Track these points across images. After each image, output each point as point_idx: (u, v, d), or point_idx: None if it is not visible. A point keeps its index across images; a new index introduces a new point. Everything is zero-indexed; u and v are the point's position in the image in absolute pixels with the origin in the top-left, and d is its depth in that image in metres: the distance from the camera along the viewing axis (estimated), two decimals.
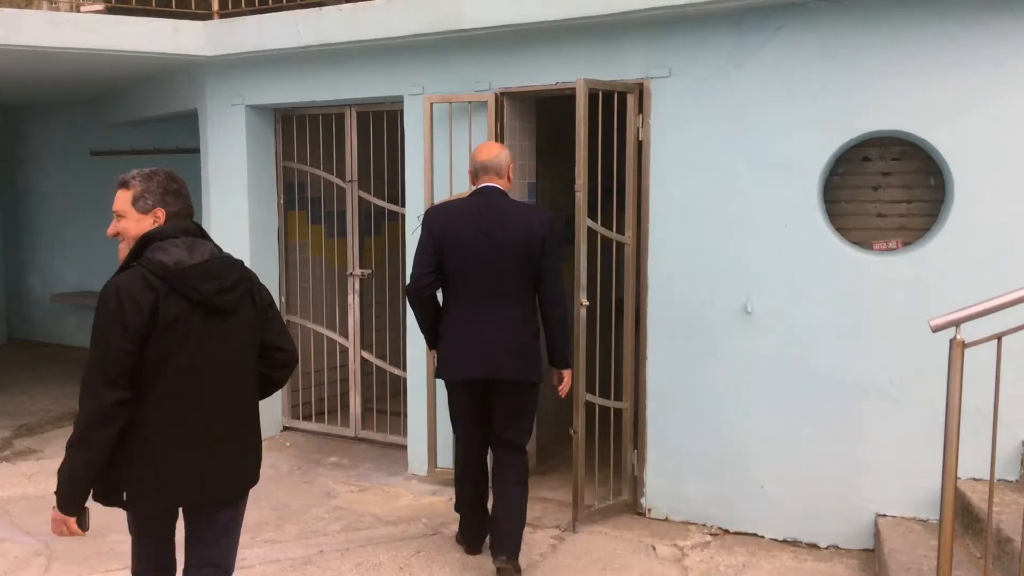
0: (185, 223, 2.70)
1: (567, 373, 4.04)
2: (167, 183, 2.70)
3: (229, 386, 2.72)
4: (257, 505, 4.82)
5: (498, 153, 3.92)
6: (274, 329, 2.82)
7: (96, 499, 2.65)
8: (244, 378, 2.76)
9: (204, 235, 2.74)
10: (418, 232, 4.88)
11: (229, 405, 2.72)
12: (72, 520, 2.62)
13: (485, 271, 3.81)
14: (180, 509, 2.80)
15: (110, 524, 4.54)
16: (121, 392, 2.52)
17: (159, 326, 2.55)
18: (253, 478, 2.84)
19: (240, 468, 2.78)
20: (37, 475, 5.34)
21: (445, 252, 3.85)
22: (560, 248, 3.93)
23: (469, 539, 4.20)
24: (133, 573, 2.87)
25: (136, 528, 2.81)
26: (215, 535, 2.81)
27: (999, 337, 2.85)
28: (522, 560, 4.05)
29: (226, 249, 2.83)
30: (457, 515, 4.28)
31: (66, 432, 6.40)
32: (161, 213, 2.68)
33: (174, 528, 2.82)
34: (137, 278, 2.57)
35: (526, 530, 4.39)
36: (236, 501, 2.83)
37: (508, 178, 3.97)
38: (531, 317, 3.91)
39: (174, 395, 2.61)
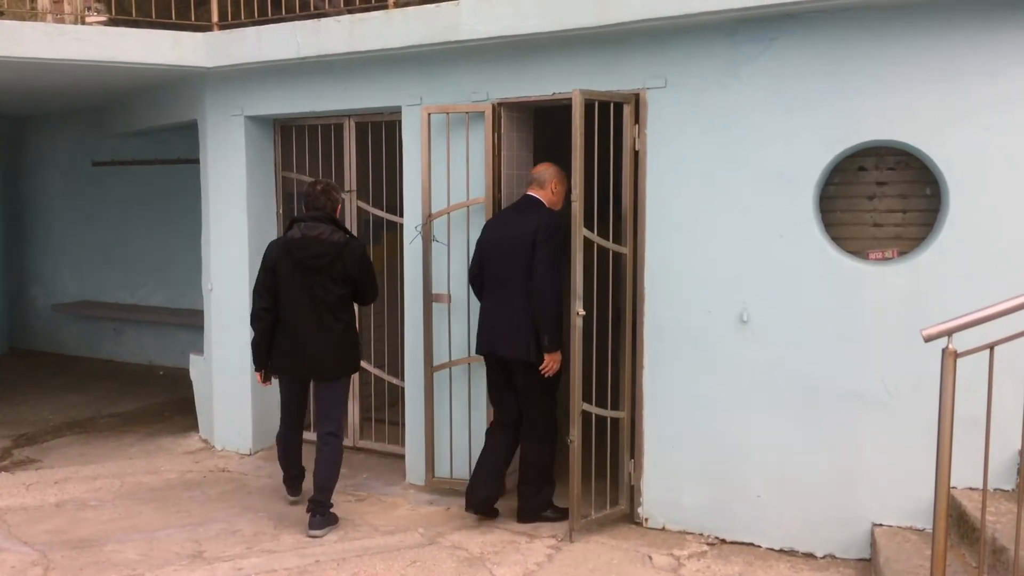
0: (313, 212, 4.58)
1: (548, 356, 4.44)
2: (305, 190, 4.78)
3: (313, 312, 4.52)
4: (254, 515, 4.84)
5: (544, 169, 4.62)
6: (360, 291, 4.64)
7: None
8: (325, 309, 4.52)
9: (327, 220, 4.57)
10: (417, 241, 5.02)
11: (311, 323, 4.53)
12: (259, 373, 4.75)
13: (496, 265, 4.56)
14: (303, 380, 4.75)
15: (108, 534, 4.56)
16: (263, 301, 4.62)
17: (277, 270, 4.57)
18: (331, 370, 4.58)
19: (317, 360, 4.55)
20: (35, 485, 5.35)
21: (481, 250, 4.66)
22: (550, 244, 4.41)
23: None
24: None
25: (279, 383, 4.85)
26: (320, 399, 4.66)
27: (991, 347, 2.86)
28: (518, 569, 4.09)
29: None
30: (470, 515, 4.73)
31: (66, 442, 6.50)
32: (304, 208, 4.70)
33: (297, 391, 4.74)
34: (275, 240, 4.77)
35: (522, 539, 4.43)
36: (321, 381, 4.62)
37: (551, 190, 4.59)
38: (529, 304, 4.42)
39: (284, 312, 4.58)
